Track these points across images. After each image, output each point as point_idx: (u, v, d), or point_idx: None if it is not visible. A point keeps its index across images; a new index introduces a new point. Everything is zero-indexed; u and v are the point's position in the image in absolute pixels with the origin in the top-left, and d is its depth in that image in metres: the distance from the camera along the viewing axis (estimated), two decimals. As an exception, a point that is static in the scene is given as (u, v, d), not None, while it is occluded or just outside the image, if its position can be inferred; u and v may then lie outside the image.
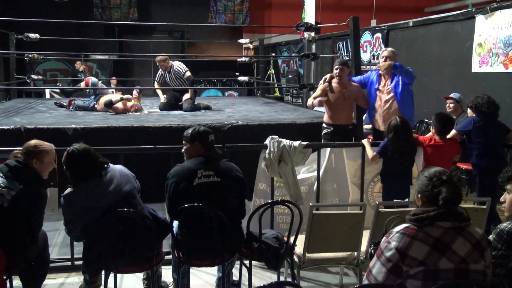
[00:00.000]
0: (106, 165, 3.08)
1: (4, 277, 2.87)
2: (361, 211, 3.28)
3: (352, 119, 5.57)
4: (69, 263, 3.84)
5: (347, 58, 5.57)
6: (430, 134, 4.33)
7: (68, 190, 3.01)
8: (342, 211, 3.61)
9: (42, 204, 3.08)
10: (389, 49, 5.32)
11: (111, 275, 3.10)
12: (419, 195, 2.12)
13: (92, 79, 7.74)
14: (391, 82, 5.05)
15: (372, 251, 2.70)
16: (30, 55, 8.50)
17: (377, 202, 3.39)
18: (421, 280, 1.95)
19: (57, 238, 4.41)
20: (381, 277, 2.01)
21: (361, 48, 8.24)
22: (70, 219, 3.00)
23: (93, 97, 7.16)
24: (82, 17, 12.39)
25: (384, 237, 2.08)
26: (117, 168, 3.15)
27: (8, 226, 2.83)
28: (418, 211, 2.06)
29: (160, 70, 7.35)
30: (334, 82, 5.33)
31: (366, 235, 3.31)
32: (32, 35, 7.64)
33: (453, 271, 1.95)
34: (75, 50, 10.94)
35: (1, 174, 2.93)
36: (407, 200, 3.74)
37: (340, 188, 4.41)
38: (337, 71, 5.29)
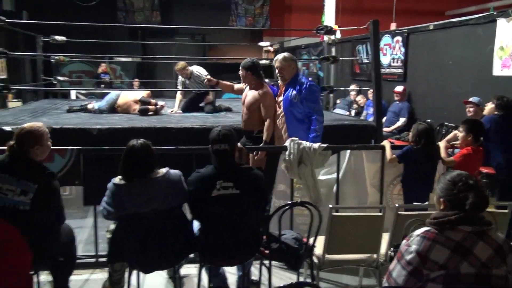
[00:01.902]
0: (159, 168, 3.03)
1: (32, 273, 2.92)
2: (380, 214, 3.25)
3: (256, 126, 4.83)
4: (93, 259, 3.89)
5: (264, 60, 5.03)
6: (459, 141, 4.20)
7: (119, 180, 2.98)
8: (361, 213, 3.59)
9: (58, 196, 3.03)
10: (280, 57, 4.62)
11: (134, 273, 3.13)
12: (440, 199, 2.09)
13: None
14: (283, 95, 4.62)
15: (392, 253, 2.67)
16: (57, 57, 8.63)
17: (396, 205, 3.35)
18: (442, 284, 1.92)
19: (82, 235, 4.46)
20: (401, 280, 1.99)
21: (380, 51, 8.18)
22: (109, 204, 2.99)
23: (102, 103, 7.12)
24: (106, 20, 12.49)
25: (404, 240, 2.06)
26: (173, 176, 3.05)
27: (32, 226, 2.81)
28: (439, 214, 2.04)
29: (180, 77, 7.33)
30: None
31: (385, 238, 3.29)
32: (58, 37, 7.78)
33: (474, 276, 1.92)
34: (99, 52, 11.07)
35: (12, 177, 2.84)
36: (427, 203, 3.69)
37: (359, 190, 4.38)
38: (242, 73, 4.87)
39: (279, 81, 4.66)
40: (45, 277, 3.38)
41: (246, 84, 4.95)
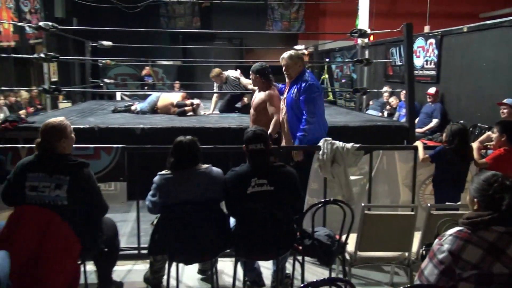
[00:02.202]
0: (202, 163, 3.12)
1: (79, 263, 3.00)
2: (412, 213, 3.19)
3: (263, 127, 4.88)
4: (136, 251, 3.96)
5: (258, 65, 4.86)
6: (492, 142, 4.06)
7: (165, 171, 3.09)
8: (393, 212, 3.52)
9: (93, 183, 3.00)
10: (286, 55, 4.43)
11: (173, 264, 3.17)
12: (474, 199, 2.03)
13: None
14: (287, 93, 4.48)
15: (424, 252, 2.61)
16: (104, 61, 8.86)
17: (428, 204, 3.27)
18: (474, 284, 1.87)
19: (126, 229, 4.56)
20: (433, 279, 1.94)
21: (414, 54, 8.02)
22: (154, 195, 3.07)
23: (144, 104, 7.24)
24: (150, 26, 12.76)
25: (437, 240, 2.01)
26: (214, 172, 3.14)
27: (74, 219, 2.84)
28: (472, 215, 1.98)
29: (216, 84, 7.29)
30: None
31: (417, 236, 3.22)
32: (105, 42, 7.97)
33: (507, 276, 1.86)
34: (143, 56, 11.27)
35: (45, 174, 2.82)
36: (458, 203, 3.59)
37: (391, 190, 4.31)
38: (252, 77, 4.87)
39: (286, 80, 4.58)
40: (91, 267, 3.45)
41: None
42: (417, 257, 3.20)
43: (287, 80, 4.49)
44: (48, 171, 2.83)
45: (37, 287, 2.60)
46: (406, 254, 3.23)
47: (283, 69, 4.41)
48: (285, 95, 4.49)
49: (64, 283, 2.72)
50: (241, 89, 7.08)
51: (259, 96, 4.82)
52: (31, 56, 6.40)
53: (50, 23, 5.92)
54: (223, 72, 7.08)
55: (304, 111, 4.25)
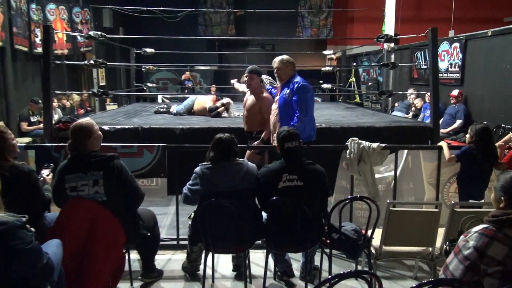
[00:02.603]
0: (238, 157, 3.19)
1: (123, 251, 3.05)
2: (436, 210, 3.10)
3: (255, 128, 4.73)
4: (175, 242, 4.00)
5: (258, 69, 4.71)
6: None
7: (206, 163, 3.15)
8: (418, 208, 3.44)
9: (126, 173, 2.96)
10: (278, 58, 4.34)
11: (209, 254, 3.19)
12: (501, 198, 1.95)
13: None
14: (279, 95, 4.36)
15: (448, 247, 2.54)
16: (146, 67, 8.99)
17: (452, 202, 3.18)
18: (499, 279, 1.80)
19: (166, 221, 4.62)
20: (458, 274, 1.88)
21: (438, 57, 7.81)
22: (192, 185, 3.12)
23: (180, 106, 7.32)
24: (188, 33, 12.93)
25: (462, 236, 1.95)
26: (249, 165, 3.19)
27: (116, 212, 2.84)
28: (498, 213, 1.91)
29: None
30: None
31: (441, 232, 3.13)
32: (148, 50, 8.09)
33: (531, 272, 1.78)
34: (182, 62, 11.41)
35: (81, 173, 2.84)
36: (482, 201, 3.48)
37: (416, 187, 4.21)
38: (246, 78, 4.74)
39: (277, 83, 4.48)
40: (134, 255, 3.51)
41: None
42: (440, 252, 3.12)
43: (278, 83, 4.44)
44: (83, 170, 2.84)
45: (86, 275, 2.66)
46: (430, 249, 3.16)
47: (275, 71, 4.36)
48: (277, 98, 4.42)
49: (110, 270, 2.78)
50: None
51: (251, 98, 4.73)
52: (82, 62, 6.58)
53: (99, 33, 6.06)
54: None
55: (297, 110, 4.17)
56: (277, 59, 4.33)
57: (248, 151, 4.46)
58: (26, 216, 2.13)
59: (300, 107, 4.15)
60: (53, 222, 2.84)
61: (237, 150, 3.23)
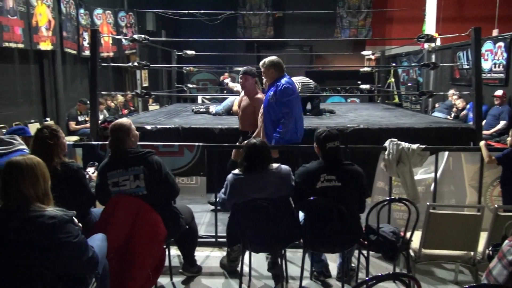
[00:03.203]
0: (273, 163, 3.11)
1: (164, 247, 3.11)
2: (478, 213, 2.99)
3: (250, 127, 4.64)
4: (213, 239, 4.04)
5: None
6: None
7: (238, 171, 3.10)
8: (459, 211, 3.32)
9: (165, 167, 3.05)
10: (261, 62, 4.29)
11: (247, 253, 3.20)
12: None
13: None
14: (265, 96, 4.31)
15: (491, 252, 2.44)
16: (187, 68, 9.14)
17: (496, 206, 3.05)
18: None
19: (205, 218, 4.67)
20: (501, 279, 1.80)
21: (482, 57, 7.52)
22: (225, 193, 3.11)
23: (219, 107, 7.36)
24: (228, 35, 13.03)
25: (507, 241, 1.86)
26: (283, 171, 3.11)
27: (156, 206, 2.91)
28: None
29: None
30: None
31: (483, 237, 3.01)
32: (189, 52, 8.23)
33: None
34: (221, 63, 11.52)
35: (122, 169, 2.93)
36: (528, 205, 3.31)
37: (457, 190, 4.06)
38: (241, 80, 4.67)
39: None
40: (174, 251, 3.57)
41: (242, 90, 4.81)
42: (483, 257, 3.00)
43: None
44: (123, 166, 2.94)
45: (128, 268, 2.73)
46: (472, 253, 3.04)
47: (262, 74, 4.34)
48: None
49: (152, 265, 2.85)
50: (311, 92, 6.99)
51: (246, 99, 4.70)
52: (127, 64, 6.75)
53: (142, 36, 6.20)
54: None
55: (281, 114, 4.09)
56: (261, 63, 4.31)
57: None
58: (73, 211, 2.21)
59: (283, 111, 4.09)
60: (98, 217, 2.94)
61: (271, 157, 3.13)
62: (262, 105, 4.37)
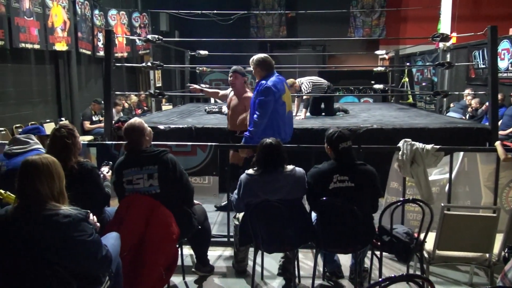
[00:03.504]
0: (287, 164, 3.10)
1: (177, 246, 3.13)
2: (494, 215, 2.95)
3: (239, 127, 4.62)
4: (225, 239, 4.05)
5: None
6: None
7: (252, 171, 3.09)
8: (475, 213, 3.28)
9: (180, 166, 3.08)
10: (250, 60, 4.26)
11: (257, 253, 3.20)
12: None
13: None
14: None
15: (506, 254, 2.40)
16: (200, 68, 9.18)
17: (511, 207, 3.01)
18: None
19: (217, 218, 4.68)
20: (517, 281, 1.78)
21: (498, 56, 7.41)
22: (238, 193, 3.10)
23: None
24: (241, 35, 13.04)
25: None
26: (298, 174, 3.09)
27: (169, 205, 2.92)
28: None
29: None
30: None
31: (498, 238, 2.97)
32: (202, 52, 8.26)
33: None
34: (234, 63, 11.53)
35: (137, 168, 2.97)
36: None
37: (472, 191, 4.01)
38: (231, 78, 4.64)
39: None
40: (187, 250, 3.59)
41: (231, 89, 4.81)
42: (498, 258, 2.95)
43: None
44: (138, 165, 2.99)
45: (141, 266, 2.75)
46: (487, 255, 2.99)
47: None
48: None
49: (164, 264, 2.86)
50: (324, 92, 6.95)
51: (236, 98, 4.69)
52: (140, 65, 6.81)
53: (156, 36, 6.25)
54: (296, 82, 6.94)
55: (256, 112, 4.06)
56: (250, 59, 4.27)
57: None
58: (88, 210, 2.24)
59: (258, 110, 4.06)
60: (112, 216, 2.97)
61: (285, 157, 3.11)
62: None
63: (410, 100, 11.94)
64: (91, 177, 2.91)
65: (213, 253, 3.84)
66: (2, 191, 2.66)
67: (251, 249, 3.37)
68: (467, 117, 8.59)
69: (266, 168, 3.05)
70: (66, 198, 2.21)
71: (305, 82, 6.88)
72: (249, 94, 4.62)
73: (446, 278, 3.49)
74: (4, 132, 7.22)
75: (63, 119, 8.44)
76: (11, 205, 2.18)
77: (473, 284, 3.37)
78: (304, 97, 6.86)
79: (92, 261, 2.19)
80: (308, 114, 6.97)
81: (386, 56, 11.11)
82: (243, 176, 3.11)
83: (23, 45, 7.29)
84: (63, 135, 2.87)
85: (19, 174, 2.14)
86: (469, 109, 8.76)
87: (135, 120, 3.19)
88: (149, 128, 3.18)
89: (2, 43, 6.77)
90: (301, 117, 6.62)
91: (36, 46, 7.69)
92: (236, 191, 3.15)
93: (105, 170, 3.38)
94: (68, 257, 2.10)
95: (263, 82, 4.09)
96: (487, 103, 7.58)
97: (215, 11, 11.33)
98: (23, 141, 3.23)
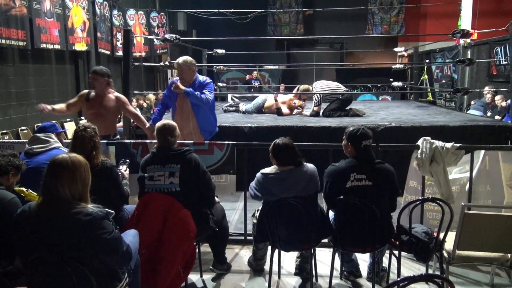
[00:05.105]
0: (301, 161, 3.10)
1: (194, 244, 3.15)
2: (516, 214, 2.89)
3: (108, 131, 4.47)
4: (242, 237, 4.06)
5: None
6: None
7: (266, 170, 3.10)
8: (496, 212, 3.22)
9: (202, 166, 3.15)
10: (181, 60, 4.46)
11: (275, 251, 3.20)
12: None
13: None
14: (188, 95, 4.42)
15: (529, 255, 2.35)
16: (217, 67, 9.22)
17: (535, 206, 2.95)
18: None
19: (234, 216, 4.70)
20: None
21: (521, 52, 7.25)
22: (256, 189, 3.11)
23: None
24: (258, 34, 13.06)
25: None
26: (310, 169, 3.09)
27: (188, 204, 2.96)
28: None
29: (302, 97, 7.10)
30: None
31: (521, 239, 2.91)
32: (219, 50, 8.29)
33: None
34: (251, 62, 11.54)
35: (160, 165, 3.05)
36: None
37: (494, 190, 3.93)
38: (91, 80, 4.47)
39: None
40: (204, 248, 3.61)
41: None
42: (521, 259, 2.89)
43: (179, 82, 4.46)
44: (161, 162, 3.08)
45: (159, 264, 2.78)
46: (509, 255, 2.94)
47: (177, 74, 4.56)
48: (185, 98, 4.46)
49: (182, 261, 2.89)
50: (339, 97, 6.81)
51: (103, 100, 4.49)
52: (158, 64, 6.88)
53: (173, 35, 6.30)
54: (310, 88, 6.78)
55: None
56: (180, 60, 4.50)
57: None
58: (108, 210, 2.27)
59: (208, 90, 4.50)
60: (131, 214, 3.01)
61: (297, 154, 3.11)
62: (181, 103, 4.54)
63: (430, 97, 11.77)
64: (110, 175, 2.96)
65: (230, 251, 3.85)
66: (24, 189, 2.72)
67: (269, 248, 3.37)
68: (488, 114, 8.42)
69: (280, 168, 3.06)
70: (89, 197, 2.25)
71: (316, 95, 6.70)
72: (113, 97, 4.54)
73: (467, 278, 3.43)
74: (26, 131, 7.38)
75: (82, 118, 8.57)
76: (34, 202, 2.23)
77: (494, 285, 3.30)
78: (314, 99, 6.73)
79: (112, 257, 2.23)
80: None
81: (405, 53, 10.98)
82: (259, 175, 3.12)
83: (44, 45, 7.43)
84: (92, 135, 2.98)
85: (46, 172, 2.17)
86: (491, 106, 8.58)
87: (168, 121, 3.34)
88: (178, 130, 3.30)
89: (23, 43, 6.92)
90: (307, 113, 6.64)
91: (57, 47, 7.83)
92: (253, 185, 3.15)
93: (123, 168, 3.42)
94: (89, 254, 2.14)
95: (203, 78, 4.65)
96: (509, 101, 7.42)
97: (232, 10, 11.36)
98: (43, 140, 3.29)
